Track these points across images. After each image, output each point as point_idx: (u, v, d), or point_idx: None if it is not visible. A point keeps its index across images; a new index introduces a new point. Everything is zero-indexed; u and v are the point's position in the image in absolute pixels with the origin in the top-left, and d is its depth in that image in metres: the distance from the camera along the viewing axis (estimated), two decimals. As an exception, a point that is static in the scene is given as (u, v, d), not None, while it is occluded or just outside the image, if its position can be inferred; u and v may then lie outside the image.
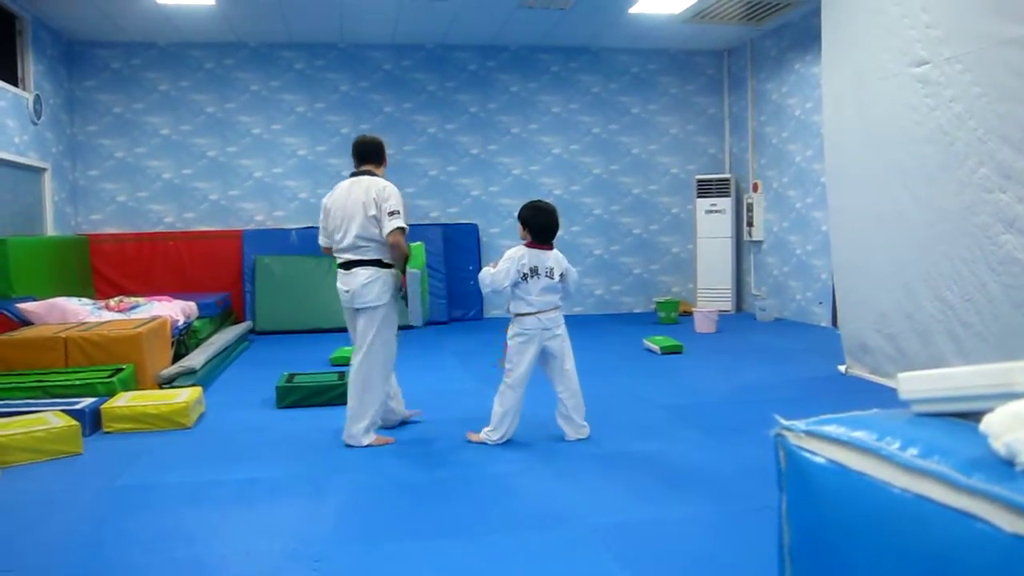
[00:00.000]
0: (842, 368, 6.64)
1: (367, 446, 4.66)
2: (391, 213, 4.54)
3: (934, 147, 5.28)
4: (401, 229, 4.57)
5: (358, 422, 4.66)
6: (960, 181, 5.07)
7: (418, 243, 4.52)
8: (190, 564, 3.10)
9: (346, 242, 4.65)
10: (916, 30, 5.37)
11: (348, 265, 4.68)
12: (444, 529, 3.41)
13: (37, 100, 8.72)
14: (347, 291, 4.67)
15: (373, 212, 4.57)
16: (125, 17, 8.98)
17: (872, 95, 5.92)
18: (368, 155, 4.82)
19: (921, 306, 5.56)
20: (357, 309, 4.68)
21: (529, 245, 4.67)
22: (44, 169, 8.98)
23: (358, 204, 4.60)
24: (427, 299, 4.59)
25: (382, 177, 4.77)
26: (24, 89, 8.55)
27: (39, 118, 8.77)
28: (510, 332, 4.72)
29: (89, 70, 10.00)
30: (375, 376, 4.68)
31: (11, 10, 8.26)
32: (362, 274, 4.62)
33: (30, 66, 8.65)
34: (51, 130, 9.23)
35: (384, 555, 3.14)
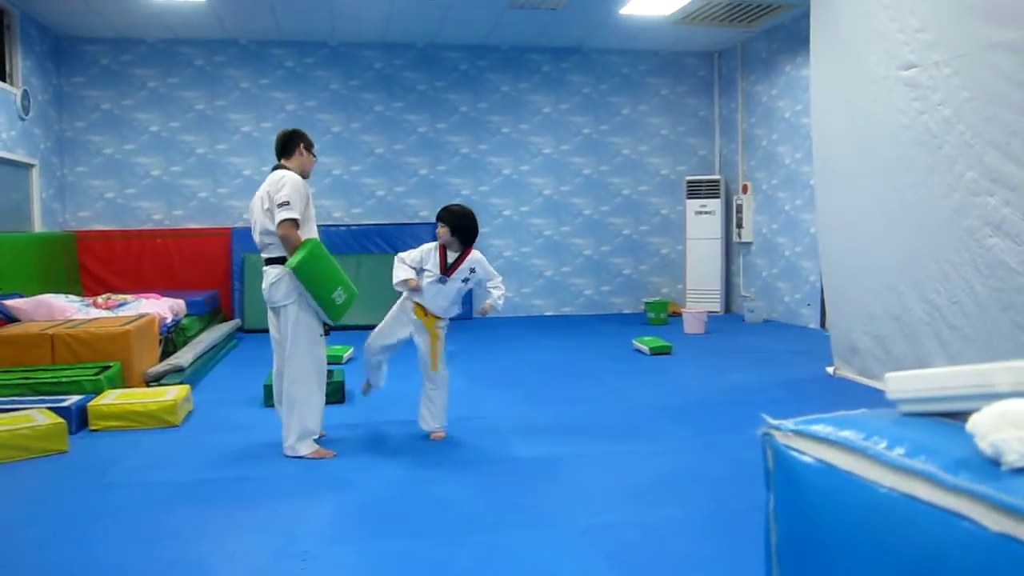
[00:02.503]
0: (830, 369, 6.67)
1: (302, 457, 4.44)
2: (281, 204, 4.29)
3: (922, 150, 5.31)
4: (290, 220, 4.28)
5: (290, 433, 4.46)
6: (948, 184, 5.10)
7: (313, 238, 4.40)
8: (177, 563, 3.08)
9: (255, 240, 4.51)
10: (905, 34, 5.39)
11: (265, 264, 4.53)
12: (432, 528, 3.41)
13: (25, 96, 8.67)
14: (263, 290, 4.54)
15: (267, 206, 4.38)
16: (114, 13, 8.94)
17: (861, 98, 5.95)
18: (280, 149, 4.62)
19: (909, 308, 5.59)
20: (273, 309, 4.55)
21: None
22: (32, 165, 8.92)
23: (258, 200, 4.47)
24: (351, 294, 4.46)
25: (292, 167, 4.55)
26: (12, 84, 8.49)
27: (27, 114, 8.72)
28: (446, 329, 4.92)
29: (78, 66, 9.94)
30: (300, 384, 4.44)
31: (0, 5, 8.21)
32: (270, 273, 4.45)
33: (18, 61, 8.59)
34: (39, 126, 9.17)
35: (372, 554, 3.14)
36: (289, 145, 4.60)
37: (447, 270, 4.71)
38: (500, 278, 4.87)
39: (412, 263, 4.73)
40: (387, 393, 5.15)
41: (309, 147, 4.67)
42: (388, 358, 4.98)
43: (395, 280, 4.69)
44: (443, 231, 4.71)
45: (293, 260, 4.27)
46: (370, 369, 4.99)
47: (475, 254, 4.80)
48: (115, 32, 9.75)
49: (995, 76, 4.64)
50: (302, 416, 4.44)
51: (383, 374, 5.02)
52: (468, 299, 10.68)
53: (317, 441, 4.57)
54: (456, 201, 10.82)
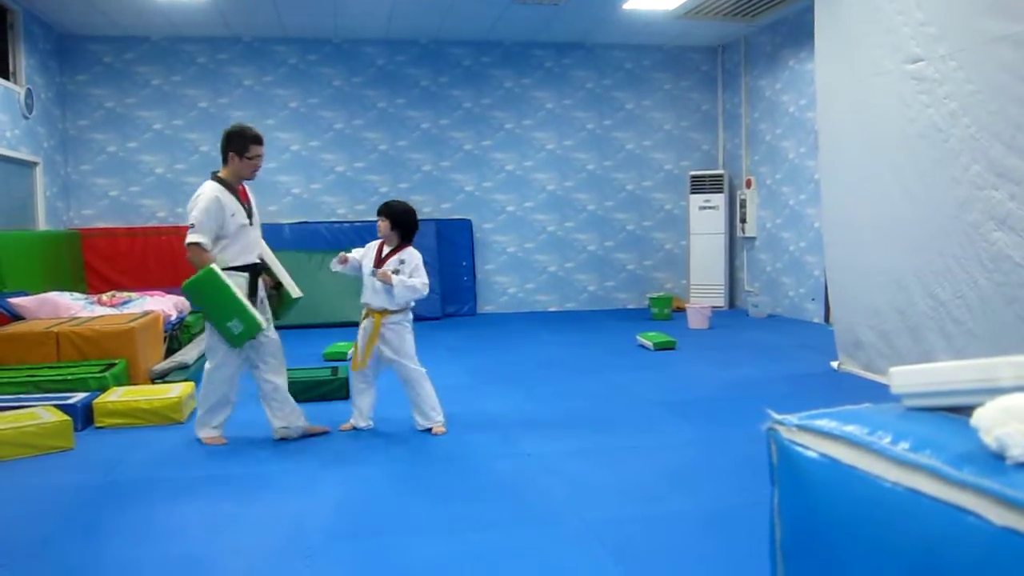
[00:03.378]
0: (835, 364, 6.66)
1: (199, 440, 4.72)
2: (191, 225, 4.40)
3: (927, 144, 5.29)
4: (195, 244, 4.38)
5: (198, 418, 4.78)
6: (953, 178, 5.08)
7: (209, 268, 4.41)
8: (182, 559, 3.09)
9: None
10: (911, 27, 5.37)
11: None
12: (437, 524, 3.41)
13: (29, 94, 8.68)
14: None
15: (189, 221, 4.47)
16: (118, 11, 8.94)
17: (866, 92, 5.93)
18: (221, 152, 4.66)
19: (913, 303, 5.58)
20: None
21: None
22: (36, 163, 8.94)
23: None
24: (249, 326, 4.46)
25: (224, 176, 4.59)
26: (16, 83, 8.50)
27: (31, 112, 8.73)
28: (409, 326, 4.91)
29: (81, 64, 9.96)
30: (209, 374, 4.67)
31: (2, 3, 8.21)
32: None
33: (22, 60, 8.61)
34: (43, 124, 9.18)
35: (376, 550, 3.14)
36: (225, 148, 4.60)
37: (379, 263, 4.80)
38: (423, 281, 4.78)
39: (358, 257, 4.90)
40: (390, 390, 5.15)
41: (242, 150, 4.57)
42: (373, 381, 4.94)
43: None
44: (383, 225, 4.81)
45: (186, 282, 4.41)
46: (356, 395, 4.96)
47: (410, 249, 4.87)
48: (118, 30, 9.76)
49: (1001, 70, 4.62)
50: (202, 404, 4.72)
51: (369, 405, 4.93)
52: (473, 296, 10.70)
53: (306, 435, 4.81)
54: (458, 197, 10.86)
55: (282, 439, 4.74)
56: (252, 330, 4.44)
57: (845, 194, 6.34)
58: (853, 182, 6.20)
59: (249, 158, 4.58)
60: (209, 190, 4.47)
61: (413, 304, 4.91)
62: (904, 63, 5.47)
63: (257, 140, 4.60)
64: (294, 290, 4.85)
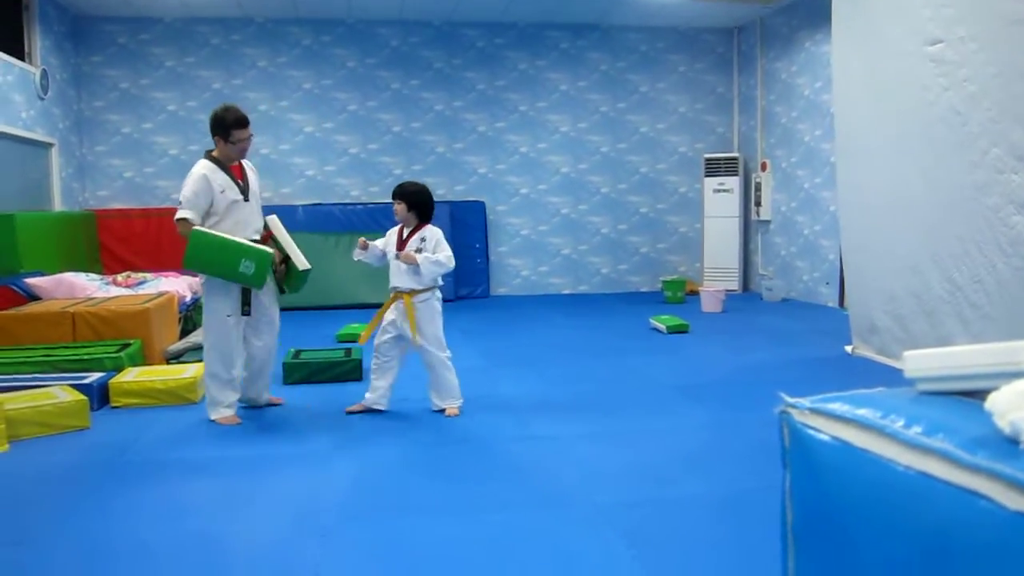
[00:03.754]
0: (849, 348, 6.63)
1: (213, 421, 4.76)
2: (180, 202, 4.60)
3: (946, 127, 5.23)
4: (181, 219, 4.56)
5: (207, 400, 4.85)
6: (972, 162, 5.02)
7: (194, 229, 4.49)
8: (197, 538, 3.12)
9: None
10: (930, 8, 5.30)
11: None
12: (450, 506, 3.43)
13: (44, 75, 8.71)
14: None
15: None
16: (132, -8, 8.95)
17: (884, 74, 5.86)
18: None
19: (930, 287, 5.53)
20: None
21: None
22: (51, 144, 8.98)
23: None
24: (261, 258, 4.54)
25: (217, 155, 4.73)
26: (31, 64, 8.53)
27: (46, 93, 8.76)
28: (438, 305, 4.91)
29: (96, 45, 9.98)
30: (207, 358, 4.75)
31: (18, -16, 8.23)
32: None
33: (37, 41, 8.63)
34: (58, 105, 9.22)
35: (390, 531, 3.16)
36: (213, 128, 4.70)
37: (400, 244, 4.81)
38: (447, 254, 4.78)
39: (380, 246, 4.92)
40: (405, 372, 5.17)
41: (225, 135, 4.66)
42: (396, 363, 4.95)
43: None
44: (400, 208, 4.82)
45: (184, 258, 4.50)
46: (377, 374, 4.91)
47: (429, 227, 4.87)
48: (133, 11, 9.77)
49: (1021, 52, 4.55)
50: (209, 387, 4.78)
51: (388, 385, 4.92)
52: (487, 278, 10.70)
53: (256, 406, 5.03)
54: (472, 179, 10.84)
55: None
56: (263, 260, 4.53)
57: (861, 177, 6.29)
58: (869, 166, 6.15)
59: (233, 142, 4.67)
60: (198, 168, 4.64)
61: (441, 282, 4.91)
62: (923, 45, 5.39)
63: (239, 124, 4.65)
64: (301, 262, 4.86)
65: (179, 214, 4.57)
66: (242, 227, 4.70)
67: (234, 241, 4.50)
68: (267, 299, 4.86)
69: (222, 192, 4.63)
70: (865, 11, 6.08)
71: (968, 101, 5.01)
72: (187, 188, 4.57)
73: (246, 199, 4.76)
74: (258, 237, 4.79)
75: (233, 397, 4.83)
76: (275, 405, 5.14)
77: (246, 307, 4.76)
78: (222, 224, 4.63)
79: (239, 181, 4.74)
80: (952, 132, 5.18)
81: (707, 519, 3.27)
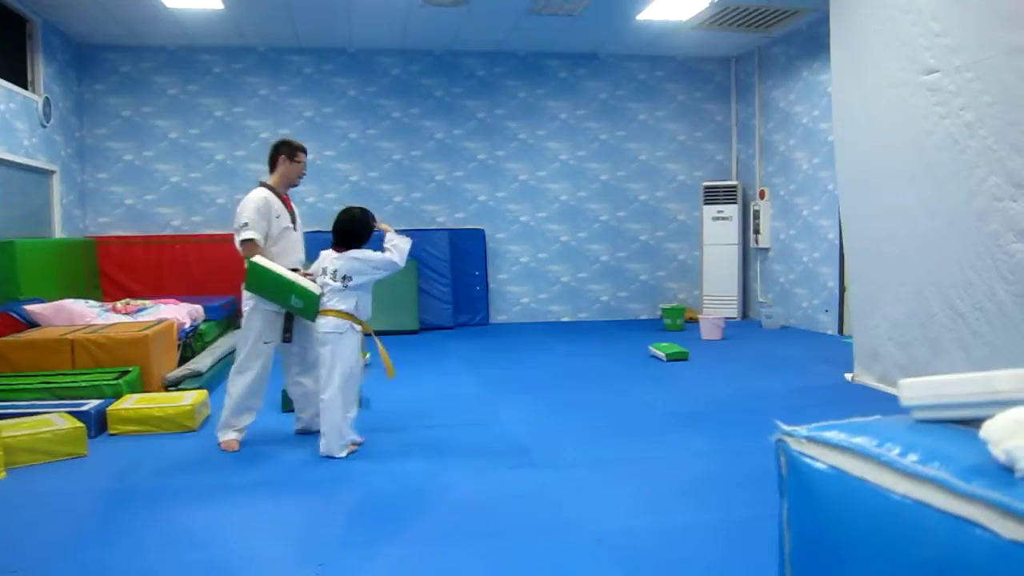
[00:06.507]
0: (849, 376, 6.62)
1: (219, 444, 4.80)
2: (241, 225, 4.70)
3: (944, 156, 5.27)
4: (247, 241, 4.67)
5: (220, 421, 4.89)
6: (970, 190, 5.05)
7: (252, 259, 4.53)
8: (196, 568, 3.10)
9: None
10: (926, 38, 5.35)
11: None
12: (449, 534, 3.41)
13: (47, 103, 8.77)
14: None
15: (236, 225, 4.77)
16: (135, 21, 9.03)
17: (882, 103, 5.91)
18: (268, 162, 5.01)
19: (932, 314, 5.54)
20: None
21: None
22: (53, 172, 9.02)
23: (235, 216, 4.82)
24: (308, 299, 4.57)
25: (272, 183, 4.91)
26: (34, 92, 8.59)
27: (48, 121, 8.82)
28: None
29: (98, 73, 10.05)
30: (235, 376, 4.83)
31: (21, 13, 8.31)
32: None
33: (40, 69, 8.70)
34: (60, 133, 9.27)
35: (388, 560, 3.14)
36: (271, 160, 4.99)
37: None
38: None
39: None
40: (404, 398, 5.15)
41: (291, 155, 4.96)
42: None
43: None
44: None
45: (244, 283, 4.67)
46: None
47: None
48: (135, 40, 9.85)
49: (1018, 80, 4.59)
50: (226, 407, 4.82)
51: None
52: (486, 305, 10.70)
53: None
54: (471, 207, 10.89)
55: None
56: (310, 300, 4.59)
57: (863, 206, 6.32)
58: (871, 193, 6.17)
59: (296, 162, 4.97)
60: (257, 192, 4.82)
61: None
62: (919, 74, 5.45)
63: (303, 149, 5.03)
64: (305, 293, 4.84)
65: (244, 235, 4.66)
66: (288, 254, 4.87)
67: (286, 277, 4.59)
68: (241, 329, 4.90)
69: (277, 217, 4.83)
70: (862, 42, 6.14)
71: (965, 130, 5.05)
72: (248, 211, 4.70)
73: (294, 227, 4.98)
74: (299, 267, 4.90)
75: (246, 422, 4.87)
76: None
77: (287, 334, 4.88)
78: (272, 249, 4.77)
79: (288, 209, 4.96)
80: (950, 160, 5.21)
81: (705, 547, 3.25)
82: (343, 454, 4.56)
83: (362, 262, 4.64)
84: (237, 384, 4.80)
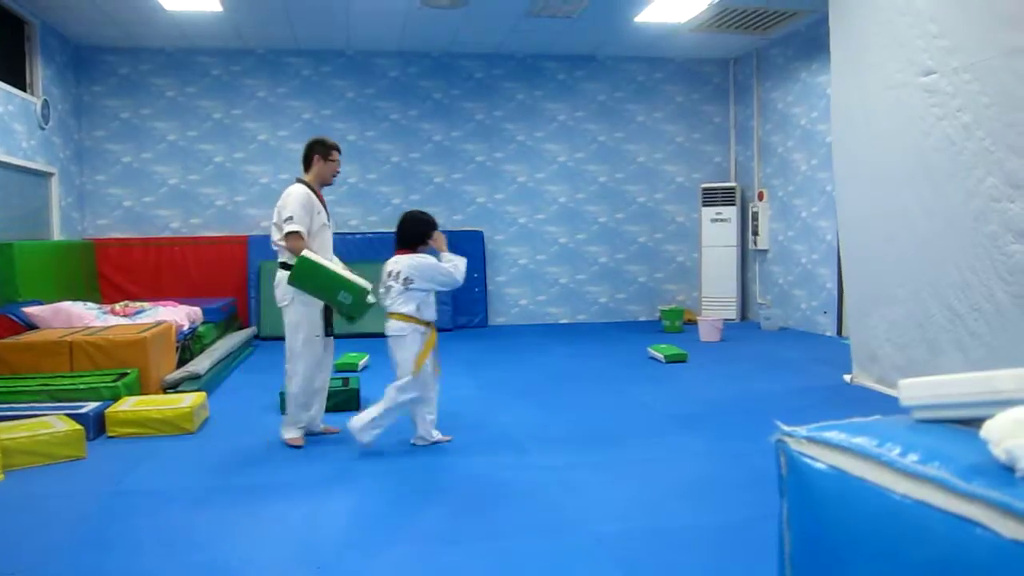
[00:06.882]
0: (848, 377, 6.62)
1: (284, 441, 4.88)
2: (286, 219, 4.75)
3: (942, 156, 5.27)
4: (294, 233, 4.72)
5: (284, 419, 4.97)
6: (968, 191, 5.06)
7: (302, 255, 4.56)
8: (195, 570, 3.09)
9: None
10: (923, 40, 5.36)
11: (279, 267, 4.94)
12: (448, 535, 3.41)
13: (45, 105, 8.77)
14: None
15: (275, 220, 4.85)
16: (133, 23, 9.02)
17: (880, 105, 5.92)
18: (302, 161, 5.08)
19: (930, 315, 5.54)
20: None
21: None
22: (51, 174, 9.02)
23: (275, 212, 4.90)
24: (356, 292, 4.60)
25: (308, 180, 4.99)
26: (32, 94, 8.59)
27: (47, 123, 8.81)
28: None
29: (97, 75, 10.05)
30: (294, 376, 4.86)
31: (20, 15, 8.30)
32: (277, 275, 4.86)
33: (38, 71, 8.70)
34: (59, 135, 9.27)
35: (387, 561, 3.14)
36: (306, 159, 5.06)
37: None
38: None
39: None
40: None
41: (325, 154, 5.02)
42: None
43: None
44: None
45: (290, 276, 4.65)
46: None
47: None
48: (134, 42, 9.85)
49: (1015, 81, 4.60)
50: (289, 407, 4.90)
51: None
52: (485, 307, 10.70)
53: (311, 434, 5.05)
54: (470, 208, 10.89)
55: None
56: (360, 295, 4.65)
57: (861, 207, 6.32)
58: (868, 195, 6.18)
59: (331, 160, 5.04)
60: (299, 188, 4.88)
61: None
62: (917, 76, 5.45)
63: (337, 148, 5.10)
64: (362, 282, 4.89)
65: (291, 227, 4.72)
66: (325, 249, 4.94)
67: (338, 273, 4.66)
68: (287, 326, 4.91)
69: (318, 214, 4.90)
70: (861, 43, 6.15)
71: (962, 131, 5.06)
72: (294, 205, 4.76)
73: (329, 224, 5.05)
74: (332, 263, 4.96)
75: (306, 419, 4.96)
76: (331, 433, 5.16)
77: (329, 328, 4.97)
78: (311, 244, 4.81)
79: (324, 207, 5.03)
80: (948, 162, 5.22)
81: (705, 548, 3.25)
82: (366, 439, 4.65)
83: (424, 268, 4.73)
84: (294, 382, 4.85)
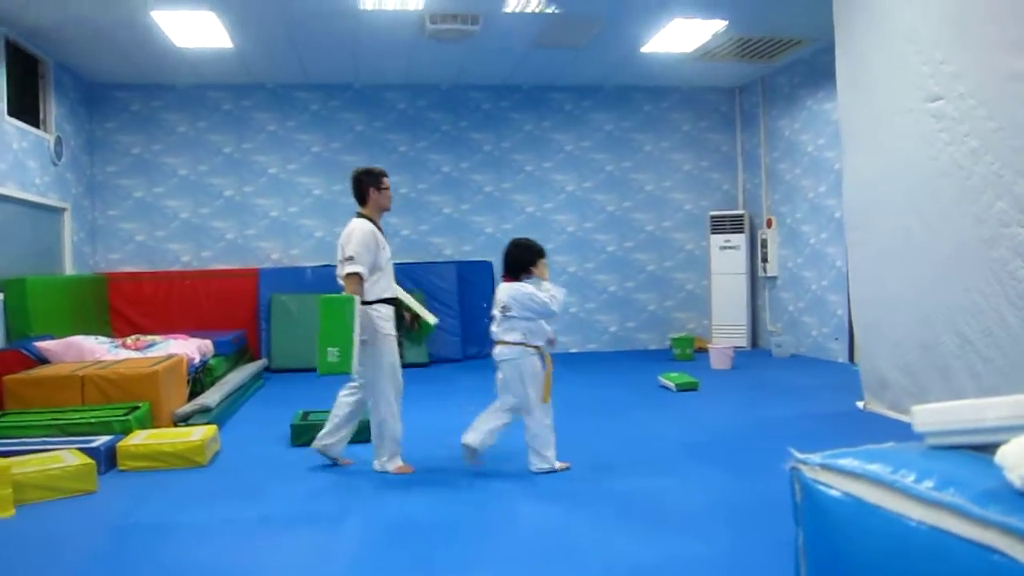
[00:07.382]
0: (860, 404, 6.58)
1: (390, 472, 4.86)
2: (347, 258, 4.72)
3: (949, 182, 5.27)
4: (354, 275, 4.68)
5: (381, 453, 4.92)
6: (976, 216, 5.05)
7: (350, 299, 4.54)
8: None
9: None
10: (929, 66, 5.39)
11: None
12: (456, 566, 3.39)
13: (58, 141, 8.87)
14: None
15: (340, 257, 4.79)
16: (145, 60, 9.14)
17: (888, 131, 5.93)
18: (355, 195, 5.05)
19: (940, 341, 5.51)
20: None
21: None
22: (64, 209, 9.10)
23: (339, 248, 4.86)
24: (343, 363, 4.57)
25: (368, 213, 4.97)
26: (46, 131, 8.69)
27: (60, 159, 8.91)
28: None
29: (109, 112, 10.17)
30: (385, 407, 4.84)
31: (34, 54, 8.43)
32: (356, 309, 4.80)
33: (52, 108, 8.81)
34: (71, 171, 9.36)
35: (398, 593, 3.12)
36: (358, 193, 5.03)
37: None
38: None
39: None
40: (411, 431, 5.13)
41: (377, 184, 5.00)
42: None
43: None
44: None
45: (325, 296, 4.63)
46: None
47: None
48: (146, 78, 9.97)
49: (1018, 106, 4.61)
50: (384, 439, 4.87)
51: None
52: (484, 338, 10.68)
53: (327, 456, 5.08)
54: (479, 239, 10.92)
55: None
56: (345, 368, 4.59)
57: (870, 233, 6.32)
58: (878, 221, 6.18)
59: (384, 188, 5.02)
60: (364, 224, 4.85)
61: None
62: (924, 102, 5.47)
63: (384, 173, 5.08)
64: (430, 318, 5.07)
65: (352, 268, 4.67)
66: (392, 284, 4.98)
67: (353, 337, 4.54)
68: (369, 360, 4.85)
69: (383, 249, 4.89)
70: (867, 70, 6.18)
71: (970, 156, 5.06)
72: (357, 244, 4.71)
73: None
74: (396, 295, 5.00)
75: (399, 447, 4.95)
76: (345, 465, 5.13)
77: (400, 347, 5.01)
78: (381, 281, 4.84)
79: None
80: (955, 186, 5.22)
81: (720, 579, 3.22)
82: (544, 466, 4.80)
83: (522, 297, 4.78)
84: (389, 414, 4.85)
